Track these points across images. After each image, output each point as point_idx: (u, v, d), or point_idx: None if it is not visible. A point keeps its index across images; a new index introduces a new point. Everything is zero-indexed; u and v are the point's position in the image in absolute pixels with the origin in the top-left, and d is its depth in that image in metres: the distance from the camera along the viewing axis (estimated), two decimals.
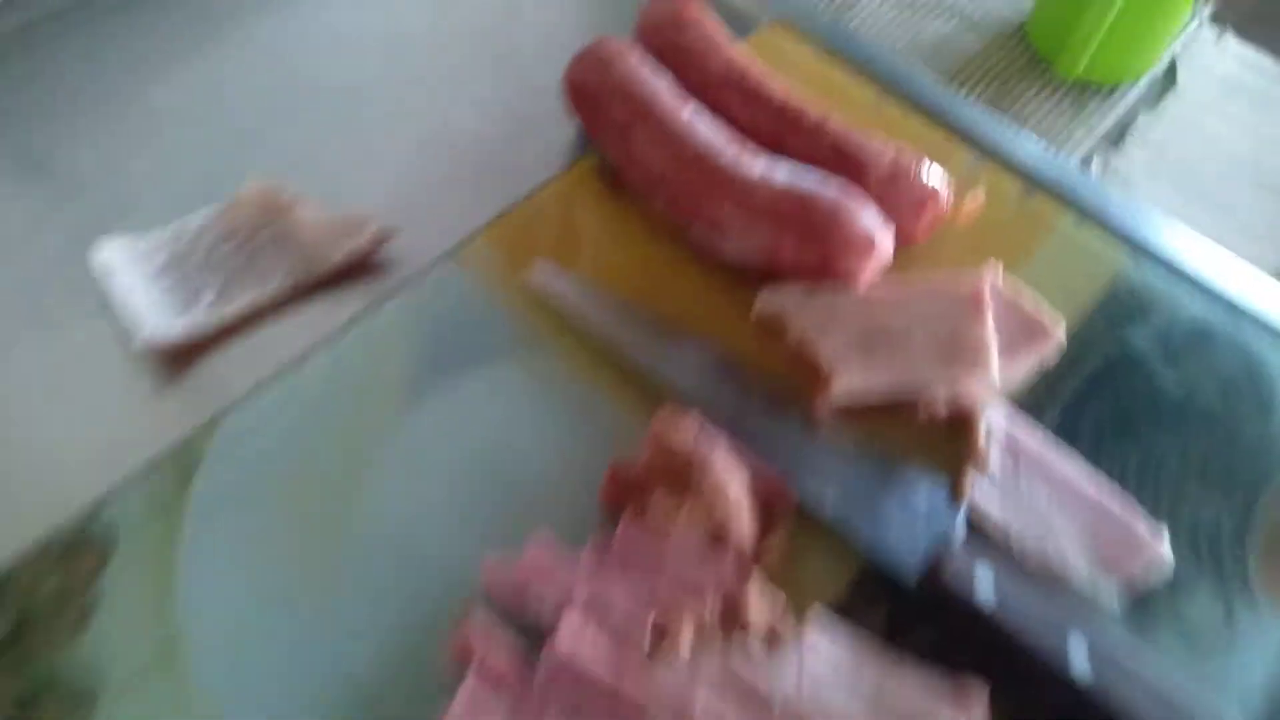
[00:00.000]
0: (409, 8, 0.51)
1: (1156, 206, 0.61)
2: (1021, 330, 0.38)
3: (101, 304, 0.38)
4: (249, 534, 0.34)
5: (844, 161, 0.39)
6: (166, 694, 0.30)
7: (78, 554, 0.33)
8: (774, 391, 0.37)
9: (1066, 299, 0.40)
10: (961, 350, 0.36)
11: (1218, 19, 0.73)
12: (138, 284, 0.38)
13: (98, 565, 0.33)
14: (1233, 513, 0.36)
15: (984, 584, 0.31)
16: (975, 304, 0.37)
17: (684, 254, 0.41)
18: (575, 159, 0.44)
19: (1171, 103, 0.68)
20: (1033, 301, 0.38)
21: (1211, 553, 0.35)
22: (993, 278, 0.38)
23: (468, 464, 0.35)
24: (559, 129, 0.45)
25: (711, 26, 0.44)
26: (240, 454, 0.35)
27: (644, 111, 0.40)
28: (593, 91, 0.42)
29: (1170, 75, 0.69)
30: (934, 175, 0.40)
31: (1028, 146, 0.45)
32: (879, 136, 0.40)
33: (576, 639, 0.30)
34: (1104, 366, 0.39)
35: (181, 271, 0.39)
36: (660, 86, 0.41)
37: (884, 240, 0.38)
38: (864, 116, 0.45)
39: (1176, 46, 0.70)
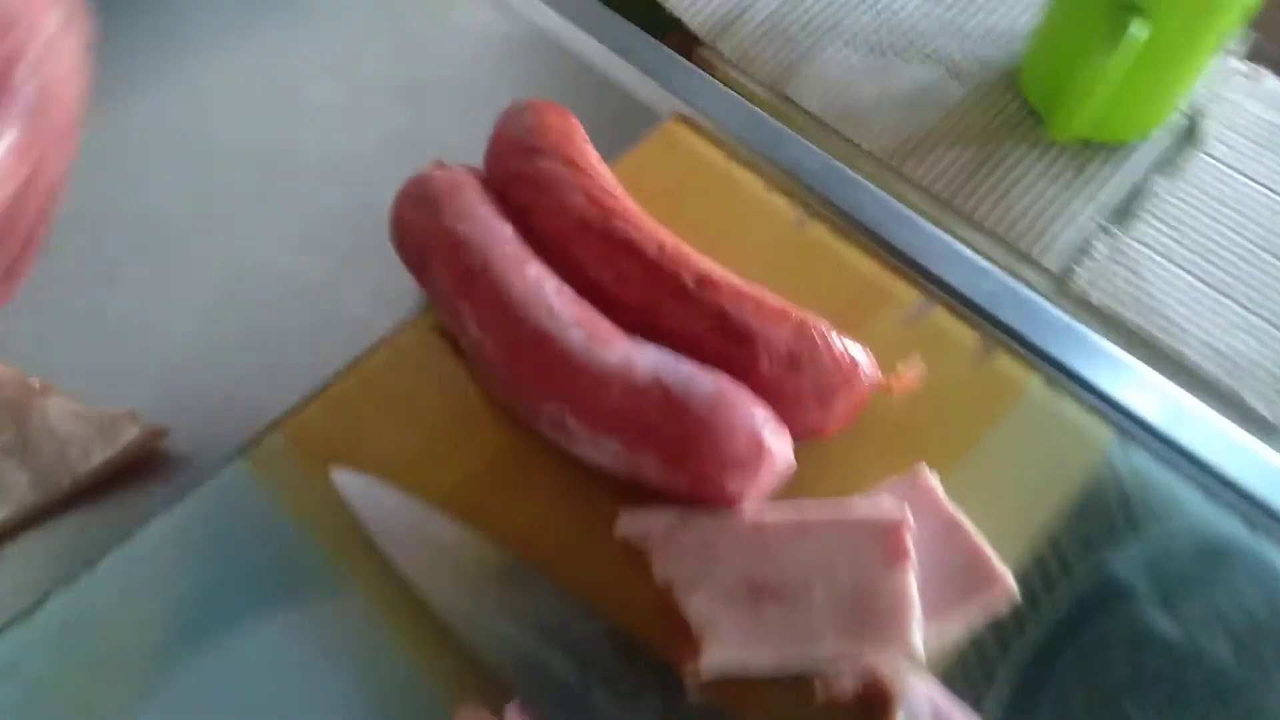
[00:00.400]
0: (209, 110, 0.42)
1: (1175, 310, 0.52)
2: (962, 571, 0.28)
3: None
4: None
5: (730, 338, 0.30)
6: None
7: None
8: (633, 651, 0.28)
9: (1029, 502, 0.30)
10: (874, 611, 0.27)
11: (1256, 57, 0.62)
12: None
13: None
14: None
15: None
16: (893, 547, 0.27)
17: (536, 451, 0.32)
18: (411, 317, 0.35)
19: (1193, 164, 0.57)
20: (977, 539, 0.29)
21: None
22: (929, 496, 0.29)
23: None
24: (395, 275, 0.36)
25: (577, 145, 0.34)
26: None
27: (475, 270, 0.31)
28: (419, 239, 0.33)
29: (1192, 129, 0.59)
30: (850, 350, 0.30)
31: (988, 280, 0.36)
32: (775, 296, 0.31)
33: None
34: (1076, 609, 0.29)
35: None
36: (499, 236, 0.32)
37: (776, 452, 0.28)
38: (782, 239, 0.35)
39: (1200, 93, 0.59)
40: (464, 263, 0.31)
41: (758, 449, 0.28)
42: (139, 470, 0.32)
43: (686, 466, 0.28)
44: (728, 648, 0.27)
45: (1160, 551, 0.30)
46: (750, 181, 0.38)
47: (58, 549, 0.31)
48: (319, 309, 0.36)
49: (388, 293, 0.35)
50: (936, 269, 0.36)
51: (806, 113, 0.58)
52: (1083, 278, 0.53)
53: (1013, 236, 0.54)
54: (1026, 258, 0.53)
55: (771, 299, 0.31)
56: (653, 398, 0.28)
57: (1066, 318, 0.36)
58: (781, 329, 0.30)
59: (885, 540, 0.27)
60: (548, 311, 0.30)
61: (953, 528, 0.29)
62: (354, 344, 0.34)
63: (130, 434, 0.31)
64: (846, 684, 0.27)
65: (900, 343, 0.33)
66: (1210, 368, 0.50)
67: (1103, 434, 0.32)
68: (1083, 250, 0.54)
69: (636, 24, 0.49)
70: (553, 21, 0.46)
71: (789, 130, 0.42)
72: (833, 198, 0.38)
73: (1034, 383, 0.33)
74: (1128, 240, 0.55)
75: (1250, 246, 0.55)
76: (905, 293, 0.35)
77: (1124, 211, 0.56)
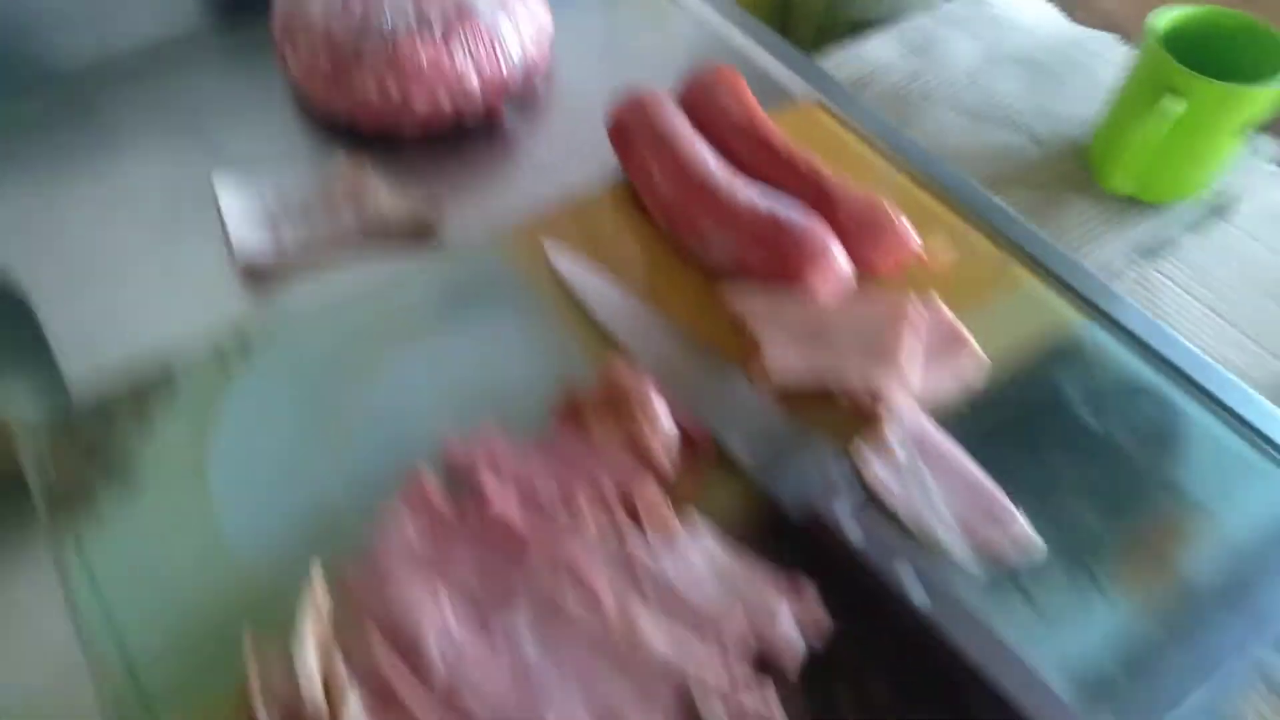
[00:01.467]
0: None
1: (1178, 323, 0.65)
2: (945, 345, 0.43)
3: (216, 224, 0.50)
4: (279, 407, 0.43)
5: (823, 199, 0.47)
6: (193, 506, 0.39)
7: (141, 399, 0.43)
8: (724, 366, 0.43)
9: (1012, 343, 0.45)
10: (882, 349, 0.42)
11: None
12: (243, 216, 0.50)
13: (154, 411, 0.43)
14: (1108, 528, 0.39)
15: (853, 529, 0.36)
16: (901, 314, 0.42)
17: (677, 259, 0.49)
18: (611, 185, 0.53)
19: (1218, 229, 0.71)
20: (959, 325, 0.44)
21: (1077, 554, 0.38)
22: (933, 304, 0.44)
23: (457, 372, 0.44)
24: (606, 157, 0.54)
25: (741, 90, 0.53)
26: (286, 345, 0.45)
27: (663, 146, 0.49)
28: (627, 127, 0.51)
29: (1222, 205, 0.73)
30: (903, 223, 0.46)
31: (1027, 230, 0.51)
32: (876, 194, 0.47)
33: (502, 498, 0.37)
34: (1029, 401, 0.43)
35: (279, 209, 0.50)
36: (681, 129, 0.50)
37: (839, 265, 0.44)
38: (879, 188, 0.52)
39: (1231, 181, 0.74)
40: (659, 138, 0.49)
41: (826, 259, 0.44)
42: (419, 239, 0.50)
43: (783, 264, 0.44)
44: (787, 359, 0.42)
45: (1100, 382, 0.44)
46: (862, 150, 0.55)
47: (369, 268, 0.49)
48: (558, 177, 0.54)
49: (603, 169, 0.54)
50: (997, 221, 0.51)
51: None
52: None
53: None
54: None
55: (856, 186, 0.47)
56: (766, 221, 0.45)
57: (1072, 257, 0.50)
58: (859, 200, 0.46)
59: (899, 308, 0.42)
60: (706, 168, 0.47)
61: (948, 324, 0.44)
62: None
63: (421, 215, 0.50)
64: (861, 397, 0.42)
65: (936, 241, 0.48)
66: None
67: (1075, 317, 0.47)
68: (1111, 270, 0.68)
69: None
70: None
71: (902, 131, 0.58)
72: (923, 168, 0.54)
73: (1033, 283, 0.48)
74: (1150, 270, 0.68)
75: (1254, 291, 0.68)
76: (963, 228, 0.50)
77: (1152, 251, 0.70)
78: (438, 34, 0.53)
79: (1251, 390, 0.45)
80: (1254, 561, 0.39)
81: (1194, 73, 0.62)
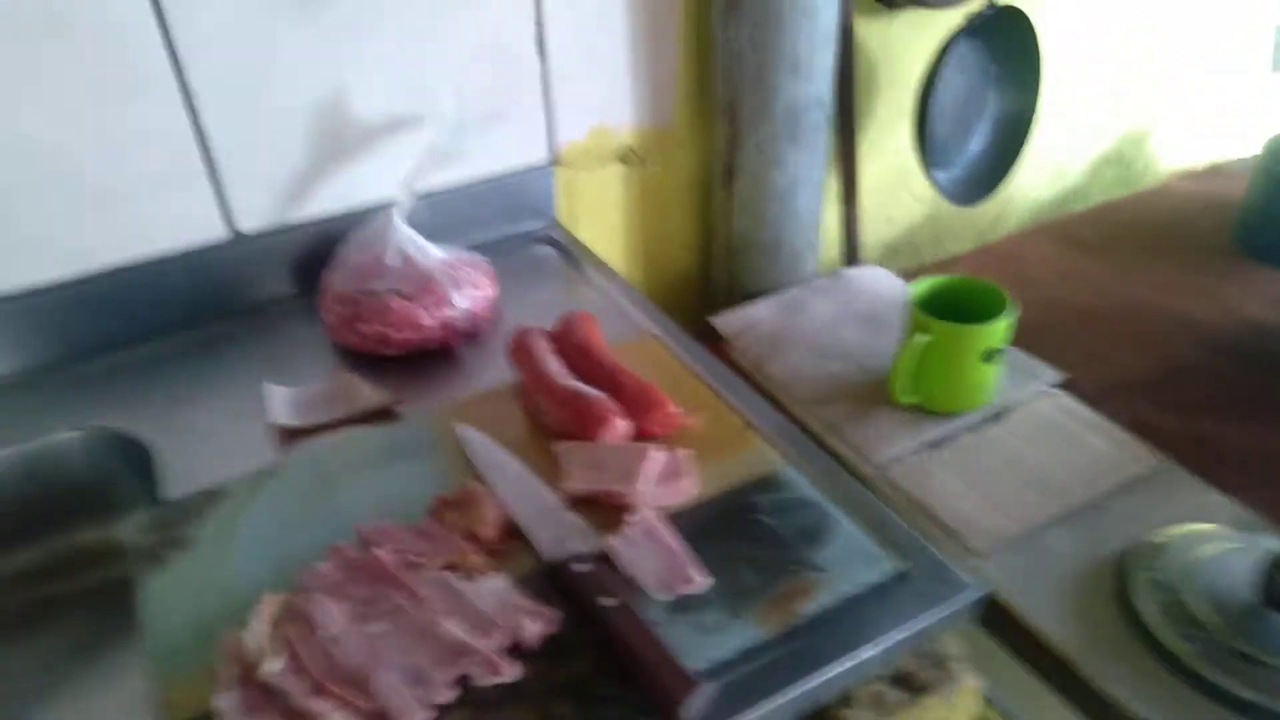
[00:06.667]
0: None
1: (943, 493, 0.87)
2: (672, 475, 0.69)
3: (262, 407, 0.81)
4: (281, 509, 0.71)
5: (617, 385, 0.75)
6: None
7: (201, 503, 0.72)
8: (541, 485, 0.70)
9: (734, 477, 0.70)
10: (627, 475, 0.68)
11: (1068, 387, 1.00)
12: (279, 401, 0.81)
13: (206, 511, 0.71)
14: (760, 583, 0.62)
15: (580, 570, 0.61)
16: (644, 455, 0.69)
17: (530, 424, 0.77)
18: (509, 385, 0.83)
19: (993, 431, 0.95)
20: (684, 463, 0.69)
21: (735, 599, 0.61)
22: (671, 451, 0.70)
23: (386, 489, 0.72)
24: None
25: (589, 324, 0.83)
26: (292, 474, 0.74)
27: (528, 357, 0.79)
28: (516, 348, 0.82)
29: (999, 415, 0.96)
30: (666, 400, 0.73)
31: (767, 411, 0.77)
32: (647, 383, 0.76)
33: (383, 554, 0.64)
34: (731, 508, 0.68)
35: (302, 399, 0.82)
36: (541, 346, 0.80)
37: (616, 425, 0.72)
38: (669, 381, 0.80)
39: (1014, 392, 0.98)
40: (527, 354, 0.79)
41: (609, 421, 0.71)
42: (382, 416, 0.80)
43: (584, 424, 0.72)
44: (576, 481, 0.69)
45: (784, 498, 0.68)
46: (673, 363, 0.84)
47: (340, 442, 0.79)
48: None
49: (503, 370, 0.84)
50: (743, 403, 0.78)
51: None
52: (893, 470, 0.91)
53: (860, 452, 0.93)
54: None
55: (641, 378, 0.75)
56: (574, 397, 0.73)
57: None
58: (638, 384, 0.74)
59: (643, 453, 0.69)
60: (548, 368, 0.77)
61: (677, 461, 0.69)
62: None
63: (379, 398, 0.80)
64: (617, 502, 0.67)
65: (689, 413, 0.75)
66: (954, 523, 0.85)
67: (779, 462, 0.72)
68: (899, 459, 0.92)
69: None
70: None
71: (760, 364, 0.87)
72: (712, 374, 0.82)
73: (759, 443, 0.74)
74: (929, 455, 0.92)
75: (1012, 476, 0.90)
76: (720, 407, 0.78)
77: (935, 445, 0.94)
78: (408, 295, 0.86)
79: (905, 488, 0.68)
80: (851, 608, 0.61)
81: (933, 317, 0.90)
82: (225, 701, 0.56)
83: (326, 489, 0.73)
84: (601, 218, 1.16)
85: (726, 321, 1.12)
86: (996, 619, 0.78)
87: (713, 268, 1.23)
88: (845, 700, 0.60)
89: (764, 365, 1.05)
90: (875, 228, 1.43)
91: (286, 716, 0.55)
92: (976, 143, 1.23)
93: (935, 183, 1.18)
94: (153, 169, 0.87)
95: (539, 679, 0.57)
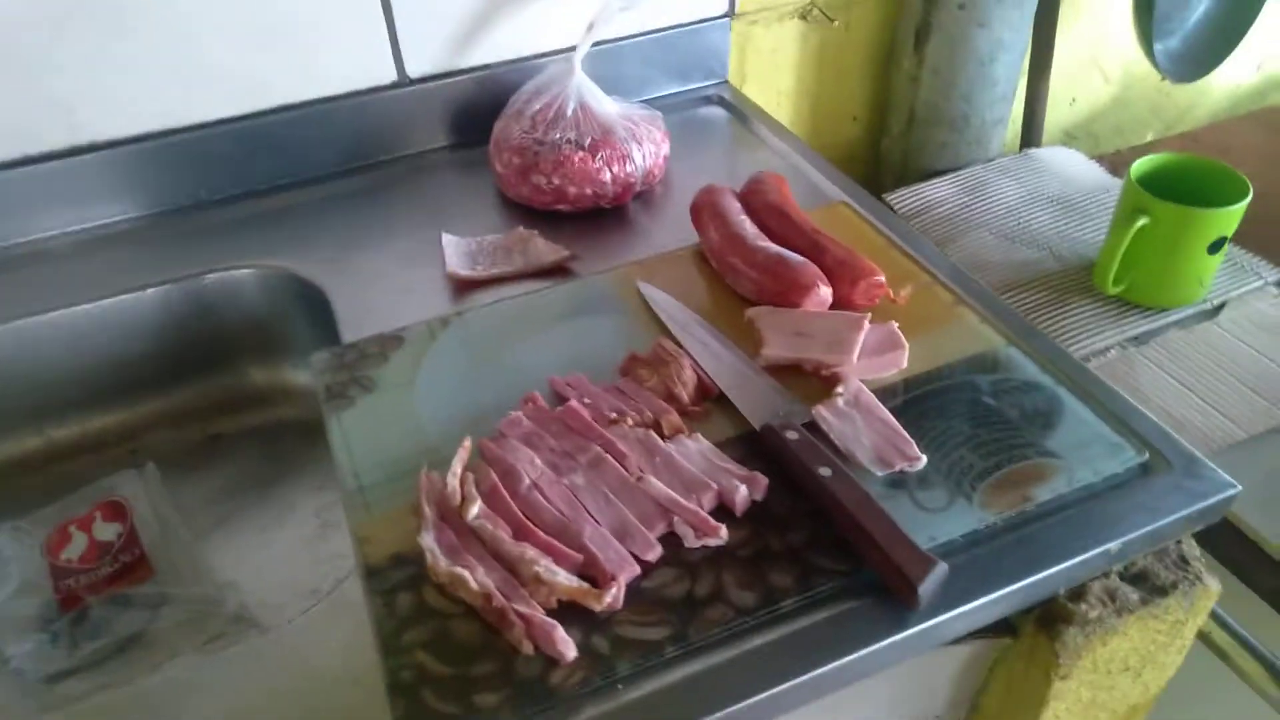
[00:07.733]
0: None
1: (1150, 390, 0.80)
2: (884, 346, 0.63)
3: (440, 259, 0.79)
4: (461, 356, 0.69)
5: (818, 250, 0.69)
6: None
7: (383, 347, 0.70)
8: (738, 350, 0.66)
9: (948, 353, 0.64)
10: (839, 345, 0.63)
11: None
12: (455, 253, 0.78)
13: (390, 354, 0.69)
14: (985, 465, 0.57)
15: (792, 438, 0.57)
16: (856, 325, 0.64)
17: (721, 289, 0.72)
18: (689, 247, 0.78)
19: (1205, 327, 0.86)
20: (898, 334, 0.64)
21: (958, 478, 0.57)
22: (883, 323, 0.65)
23: (568, 346, 0.69)
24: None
25: (780, 186, 0.77)
26: (470, 324, 0.71)
27: (718, 218, 0.74)
28: (700, 207, 0.76)
29: (1213, 310, 0.88)
30: (879, 275, 0.68)
31: (979, 288, 0.71)
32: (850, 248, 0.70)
33: (579, 406, 0.61)
34: (949, 386, 0.62)
35: (478, 250, 0.78)
36: (732, 207, 0.74)
37: (820, 293, 0.66)
38: (872, 252, 0.74)
39: (1227, 287, 0.89)
40: (717, 214, 0.74)
41: (814, 289, 0.66)
42: (561, 273, 0.77)
43: (785, 291, 0.67)
44: (777, 347, 0.64)
45: (1005, 380, 0.63)
46: (876, 236, 0.77)
47: (525, 290, 0.75)
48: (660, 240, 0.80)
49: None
50: (950, 277, 0.72)
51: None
52: (1091, 365, 0.84)
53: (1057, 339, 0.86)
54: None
55: (846, 244, 0.70)
56: (775, 261, 0.68)
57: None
58: (842, 251, 0.69)
59: (854, 323, 0.64)
60: (742, 230, 0.71)
61: (890, 333, 0.64)
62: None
63: (562, 255, 0.77)
64: (822, 372, 0.63)
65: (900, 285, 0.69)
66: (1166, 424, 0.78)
67: (998, 340, 0.66)
68: (1100, 353, 0.85)
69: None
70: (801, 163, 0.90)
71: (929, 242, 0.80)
72: (916, 247, 0.75)
73: (972, 319, 0.68)
74: (1134, 351, 0.85)
75: (1228, 377, 0.82)
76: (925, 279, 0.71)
77: (1141, 341, 0.86)
78: (587, 148, 0.81)
79: (1110, 384, 0.62)
80: (1091, 497, 0.56)
81: (1155, 197, 0.81)
82: (429, 540, 0.54)
83: (508, 341, 0.70)
84: (771, 80, 1.08)
85: (902, 199, 1.05)
86: (1213, 530, 0.72)
87: (884, 142, 1.14)
88: (1077, 593, 0.56)
89: (945, 248, 0.98)
90: (1054, 110, 1.31)
91: (493, 560, 0.53)
92: (1200, 9, 1.09)
93: (1151, 55, 1.06)
94: (331, 2, 0.83)
95: (748, 546, 0.54)
